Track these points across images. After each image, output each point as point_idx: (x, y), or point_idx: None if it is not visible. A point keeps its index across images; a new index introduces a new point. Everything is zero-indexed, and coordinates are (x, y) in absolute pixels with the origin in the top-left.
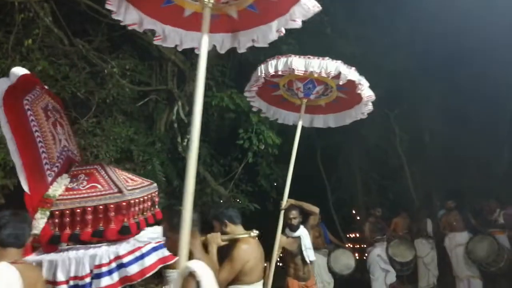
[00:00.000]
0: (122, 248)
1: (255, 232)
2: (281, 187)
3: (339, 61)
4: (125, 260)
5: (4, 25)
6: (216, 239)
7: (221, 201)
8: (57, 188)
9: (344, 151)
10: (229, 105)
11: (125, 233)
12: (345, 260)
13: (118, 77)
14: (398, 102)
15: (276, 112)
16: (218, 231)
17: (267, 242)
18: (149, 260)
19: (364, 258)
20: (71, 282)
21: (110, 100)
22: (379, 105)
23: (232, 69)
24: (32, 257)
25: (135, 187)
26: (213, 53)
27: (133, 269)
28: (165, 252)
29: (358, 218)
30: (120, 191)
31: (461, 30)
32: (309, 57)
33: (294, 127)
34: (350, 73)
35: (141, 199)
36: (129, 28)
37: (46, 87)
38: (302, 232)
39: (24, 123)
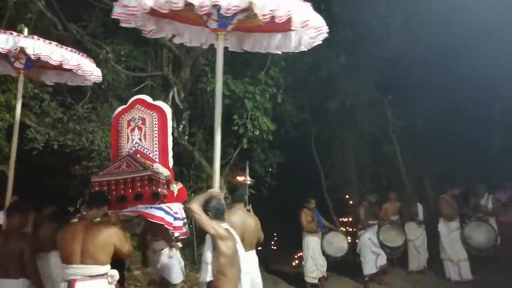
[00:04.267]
0: None
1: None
2: (275, 173)
3: None
4: None
5: None
6: None
7: None
8: None
9: (338, 136)
10: (224, 91)
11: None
12: (338, 243)
13: (113, 62)
14: (392, 88)
15: (180, 29)
16: None
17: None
18: None
19: (357, 241)
20: None
21: (105, 86)
22: (372, 91)
23: (227, 55)
24: None
25: (112, 172)
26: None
27: None
28: None
29: (351, 202)
30: (104, 173)
31: (456, 17)
32: None
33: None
34: None
35: (106, 182)
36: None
37: (154, 102)
38: None
39: (115, 132)
